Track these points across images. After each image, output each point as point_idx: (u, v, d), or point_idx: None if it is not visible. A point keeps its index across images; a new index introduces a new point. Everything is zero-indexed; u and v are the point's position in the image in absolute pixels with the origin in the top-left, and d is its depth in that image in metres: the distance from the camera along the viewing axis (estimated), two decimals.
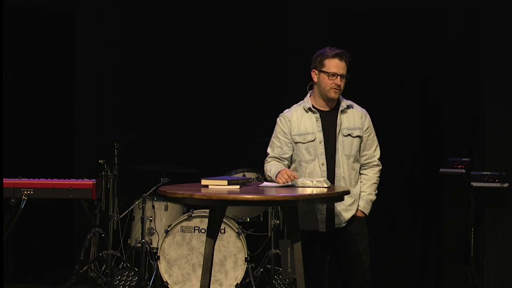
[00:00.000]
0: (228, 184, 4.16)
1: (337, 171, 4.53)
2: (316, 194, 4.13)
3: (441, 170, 6.27)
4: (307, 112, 4.60)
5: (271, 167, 4.54)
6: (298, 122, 4.58)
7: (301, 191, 4.15)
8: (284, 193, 4.02)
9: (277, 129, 4.66)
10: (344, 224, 4.58)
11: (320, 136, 4.55)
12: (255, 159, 6.70)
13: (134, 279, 6.31)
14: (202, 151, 6.92)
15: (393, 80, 6.88)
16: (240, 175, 6.41)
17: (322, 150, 4.53)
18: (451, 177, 6.35)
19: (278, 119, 4.68)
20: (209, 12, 7.04)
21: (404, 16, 6.92)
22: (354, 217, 4.60)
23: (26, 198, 5.24)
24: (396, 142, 6.70)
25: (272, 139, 4.67)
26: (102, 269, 6.62)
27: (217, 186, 4.14)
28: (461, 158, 6.28)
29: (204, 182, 4.19)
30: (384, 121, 6.59)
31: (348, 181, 4.55)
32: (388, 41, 6.85)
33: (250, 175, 6.44)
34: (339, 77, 4.51)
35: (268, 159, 4.65)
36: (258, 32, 7.04)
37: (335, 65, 4.51)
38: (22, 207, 5.25)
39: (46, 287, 6.80)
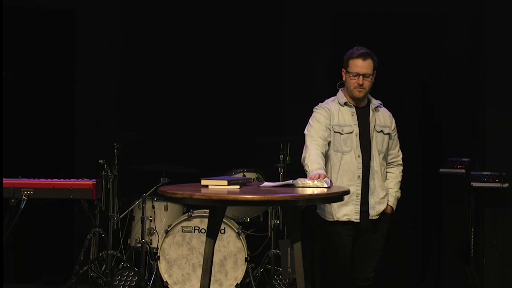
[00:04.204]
0: (228, 184, 4.15)
1: (371, 164, 4.68)
2: (316, 194, 4.13)
3: (441, 170, 6.27)
4: (343, 106, 4.73)
5: (315, 157, 4.50)
6: (336, 113, 4.70)
7: (301, 191, 4.15)
8: (284, 193, 4.01)
9: (316, 116, 4.70)
10: (376, 217, 4.73)
11: (356, 129, 4.69)
12: (255, 159, 6.74)
13: (134, 279, 6.31)
14: (202, 151, 6.92)
15: (393, 80, 6.87)
16: (240, 175, 6.41)
17: (358, 143, 4.68)
18: (451, 177, 6.35)
19: (315, 109, 4.75)
20: (209, 12, 7.04)
21: (404, 16, 6.92)
22: (384, 212, 4.77)
23: (26, 198, 5.24)
24: None
25: (312, 124, 4.68)
26: (102, 269, 6.62)
27: (217, 186, 4.14)
28: (461, 158, 6.28)
29: (204, 182, 4.19)
30: None
31: (380, 175, 4.71)
32: (388, 41, 6.85)
33: (250, 175, 6.43)
34: (361, 77, 4.65)
35: (315, 139, 4.59)
36: (258, 32, 7.04)
37: (358, 65, 4.65)
38: (22, 207, 5.25)
39: (46, 287, 6.80)
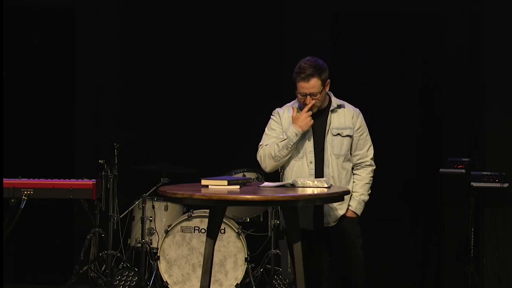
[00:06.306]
0: (228, 184, 4.16)
1: (325, 170, 4.54)
2: (316, 194, 4.13)
3: (441, 170, 6.26)
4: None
5: (269, 145, 4.54)
6: (289, 119, 4.59)
7: (301, 191, 4.15)
8: (284, 193, 4.02)
9: (270, 123, 4.68)
10: (333, 224, 4.58)
11: (309, 134, 4.56)
12: (255, 159, 6.72)
13: (134, 279, 6.31)
14: (202, 151, 6.92)
15: (393, 80, 6.88)
16: (240, 175, 6.41)
17: (311, 149, 4.55)
18: (451, 177, 6.34)
19: (271, 115, 4.71)
20: (209, 12, 7.03)
21: (404, 16, 6.91)
22: (344, 217, 4.60)
23: (26, 198, 5.25)
24: (396, 142, 6.70)
25: (266, 131, 4.66)
26: (102, 269, 6.62)
27: (217, 186, 4.14)
28: (461, 158, 6.27)
29: (204, 182, 4.19)
30: (385, 121, 6.61)
31: (337, 180, 4.54)
32: (388, 41, 6.85)
33: (250, 175, 6.44)
34: (308, 96, 4.52)
35: (263, 146, 4.61)
36: (259, 32, 7.03)
37: (303, 86, 4.53)
38: (22, 207, 5.25)
39: (46, 287, 6.80)
